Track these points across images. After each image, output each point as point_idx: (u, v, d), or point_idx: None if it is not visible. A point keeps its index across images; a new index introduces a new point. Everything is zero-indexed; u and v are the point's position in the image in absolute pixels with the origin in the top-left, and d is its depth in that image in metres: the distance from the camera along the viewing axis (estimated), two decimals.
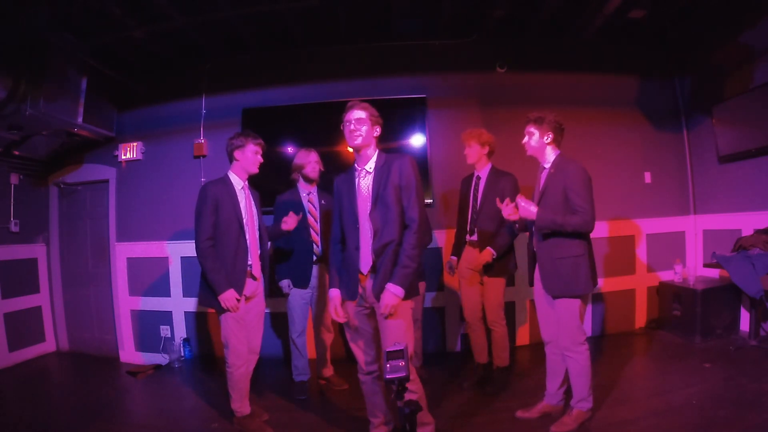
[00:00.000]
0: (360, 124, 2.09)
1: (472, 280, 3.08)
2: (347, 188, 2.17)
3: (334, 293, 2.17)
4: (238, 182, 2.63)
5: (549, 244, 2.38)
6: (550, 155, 2.45)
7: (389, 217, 2.06)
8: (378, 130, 2.14)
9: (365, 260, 2.10)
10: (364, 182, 2.14)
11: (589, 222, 2.28)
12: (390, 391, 1.55)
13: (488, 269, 2.99)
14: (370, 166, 2.14)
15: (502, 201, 2.49)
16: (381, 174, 2.10)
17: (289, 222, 2.86)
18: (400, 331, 2.04)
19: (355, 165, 2.18)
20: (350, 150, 3.97)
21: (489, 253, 2.92)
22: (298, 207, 3.16)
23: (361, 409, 2.73)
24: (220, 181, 2.62)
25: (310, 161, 3.17)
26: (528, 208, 2.33)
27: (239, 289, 2.53)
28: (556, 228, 2.30)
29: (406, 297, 2.05)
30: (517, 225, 2.62)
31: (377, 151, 2.17)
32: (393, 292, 2.00)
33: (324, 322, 3.27)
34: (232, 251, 2.54)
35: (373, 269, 2.08)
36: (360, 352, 2.19)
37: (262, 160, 2.67)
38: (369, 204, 2.09)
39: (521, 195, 2.43)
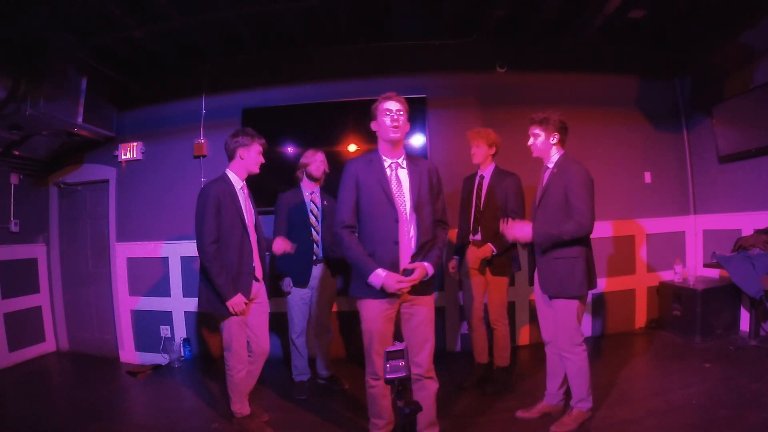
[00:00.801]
0: (401, 114, 2.07)
1: (474, 279, 3.08)
2: (378, 178, 2.07)
3: (380, 270, 1.98)
4: (237, 181, 2.57)
5: None
6: (555, 155, 2.45)
7: (431, 215, 2.11)
8: (408, 126, 2.14)
9: (405, 255, 2.05)
10: (399, 176, 2.10)
11: (586, 226, 2.28)
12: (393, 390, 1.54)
13: (488, 265, 2.99)
14: (402, 160, 2.12)
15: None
16: (416, 172, 2.11)
17: (278, 246, 2.81)
18: (429, 325, 2.10)
19: (382, 155, 2.12)
20: (350, 150, 4.00)
21: (489, 249, 2.93)
22: (300, 206, 3.16)
23: (361, 409, 2.73)
24: (220, 180, 2.55)
25: (315, 160, 3.16)
26: (523, 232, 2.35)
27: (246, 292, 2.49)
28: (553, 240, 2.31)
29: (432, 291, 2.14)
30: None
31: (404, 149, 2.18)
32: (426, 266, 2.03)
33: (323, 323, 3.27)
34: (236, 253, 2.48)
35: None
36: (377, 356, 2.06)
37: (263, 161, 2.65)
38: (411, 200, 2.07)
39: (512, 221, 2.43)
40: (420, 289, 2.06)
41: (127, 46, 3.78)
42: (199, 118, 4.25)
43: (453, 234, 3.42)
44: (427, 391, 2.11)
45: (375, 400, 2.16)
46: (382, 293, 2.02)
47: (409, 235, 2.06)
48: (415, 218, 2.06)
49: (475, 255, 3.00)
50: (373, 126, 2.14)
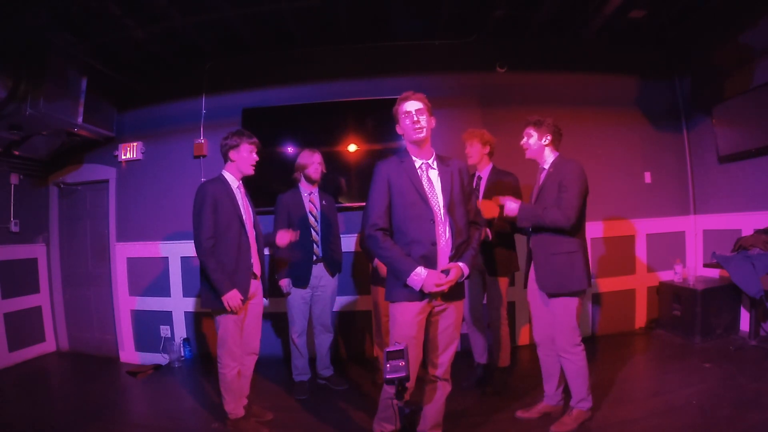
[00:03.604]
0: (420, 114, 2.02)
1: (472, 279, 3.08)
2: (410, 179, 2.02)
3: (421, 268, 1.93)
4: (233, 181, 2.60)
5: (544, 241, 2.40)
6: (549, 157, 2.47)
7: (465, 216, 2.08)
8: (434, 121, 2.09)
9: (443, 257, 2.01)
10: (430, 176, 2.06)
11: (570, 217, 2.28)
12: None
13: (489, 265, 2.98)
14: (433, 160, 2.08)
15: (503, 201, 2.50)
16: (447, 173, 2.06)
17: (282, 238, 2.81)
18: (457, 330, 2.09)
19: (412, 156, 2.07)
20: (350, 150, 4.00)
21: (484, 233, 2.92)
22: (299, 207, 3.16)
23: (361, 409, 2.74)
24: (217, 180, 2.58)
25: (313, 162, 3.16)
26: (511, 206, 2.40)
27: (244, 290, 2.50)
28: (534, 218, 2.35)
29: (462, 297, 2.11)
30: (495, 220, 2.65)
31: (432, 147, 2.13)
32: (461, 267, 1.99)
33: (324, 322, 3.27)
34: (234, 250, 2.50)
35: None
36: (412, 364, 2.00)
37: (257, 158, 2.64)
38: (444, 199, 2.03)
39: (507, 196, 2.46)
40: (452, 292, 2.01)
41: (127, 46, 3.78)
42: (199, 118, 4.25)
43: None
44: (440, 392, 2.10)
45: (389, 407, 2.04)
46: (420, 295, 1.96)
47: (444, 237, 2.02)
48: (449, 219, 2.02)
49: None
50: (398, 129, 2.11)
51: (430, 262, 1.97)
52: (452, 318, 2.06)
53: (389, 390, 2.06)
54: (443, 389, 2.11)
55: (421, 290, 1.93)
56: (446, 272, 1.95)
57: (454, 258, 2.01)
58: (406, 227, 2.00)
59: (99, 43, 3.65)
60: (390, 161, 2.10)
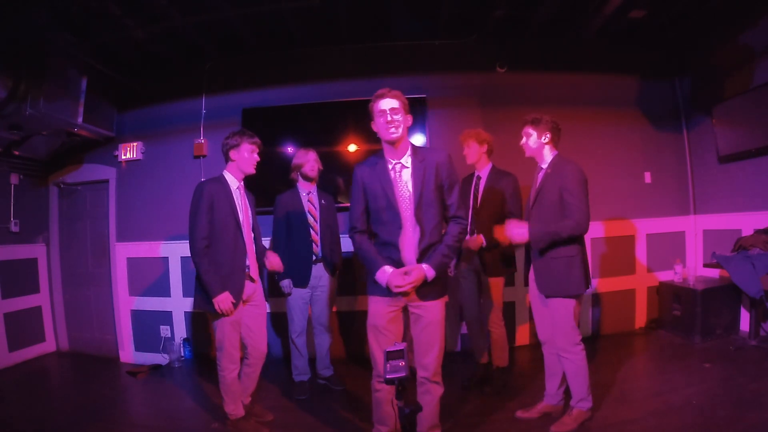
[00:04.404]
0: (395, 114, 1.98)
1: (470, 280, 3.09)
2: (381, 183, 2.03)
3: (387, 267, 1.99)
4: (233, 182, 2.58)
5: None
6: (548, 155, 2.46)
7: (435, 218, 2.04)
8: (410, 119, 2.05)
9: (408, 259, 2.02)
10: (403, 178, 2.03)
11: (583, 223, 2.28)
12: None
13: (481, 264, 2.99)
14: (407, 160, 2.04)
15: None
16: (421, 171, 2.01)
17: (272, 263, 2.72)
18: (436, 329, 2.03)
19: (386, 157, 2.06)
20: (350, 149, 4.00)
21: (479, 241, 2.93)
22: (297, 207, 3.16)
23: (361, 409, 2.73)
24: (216, 180, 2.55)
25: (308, 160, 3.16)
26: (520, 233, 2.35)
27: (238, 292, 2.48)
28: (551, 238, 2.31)
29: (440, 295, 2.07)
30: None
31: (410, 143, 2.08)
32: (424, 269, 1.97)
33: (323, 322, 3.26)
34: (230, 252, 2.48)
35: None
36: (382, 355, 2.02)
37: (258, 159, 2.62)
38: (413, 202, 2.01)
39: (510, 221, 2.44)
40: (425, 292, 2.02)
41: (127, 46, 3.78)
42: (199, 118, 4.26)
43: None
44: (431, 396, 2.08)
45: (380, 404, 2.11)
46: (387, 292, 2.01)
47: (413, 239, 2.02)
48: (419, 222, 2.01)
49: (466, 245, 2.97)
50: (373, 127, 2.08)
51: (397, 264, 2.02)
52: (430, 317, 2.03)
53: (377, 386, 2.10)
54: (434, 392, 2.08)
55: (388, 287, 1.99)
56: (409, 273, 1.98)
57: (420, 261, 2.02)
58: (378, 230, 2.08)
59: (99, 43, 3.65)
60: (364, 165, 2.11)
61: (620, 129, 4.24)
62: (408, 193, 2.02)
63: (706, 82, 4.06)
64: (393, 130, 1.98)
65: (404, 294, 2.00)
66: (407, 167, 2.04)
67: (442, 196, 2.06)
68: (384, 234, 2.05)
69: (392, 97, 2.00)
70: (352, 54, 4.21)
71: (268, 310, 4.06)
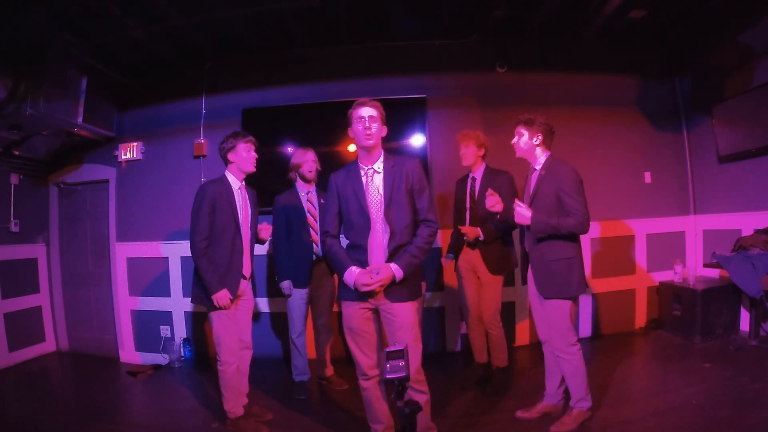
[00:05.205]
0: (373, 122, 2.06)
1: (468, 280, 3.09)
2: (353, 187, 2.11)
3: (354, 267, 2.05)
4: (235, 182, 2.64)
5: (541, 246, 2.39)
6: (541, 157, 2.46)
7: (405, 219, 2.08)
8: (385, 130, 2.14)
9: (375, 261, 2.06)
10: (374, 182, 2.10)
11: (584, 223, 2.29)
12: (391, 391, 1.53)
13: (478, 255, 3.00)
14: (379, 165, 2.12)
15: (515, 206, 2.50)
16: (392, 175, 2.09)
17: (264, 232, 2.82)
18: (408, 332, 2.03)
19: (360, 163, 2.14)
20: (350, 150, 4.00)
21: (476, 232, 2.95)
22: (297, 207, 3.16)
23: (361, 409, 2.73)
24: (218, 180, 2.62)
25: (306, 160, 3.16)
26: (523, 213, 2.35)
27: (234, 290, 2.55)
28: (551, 231, 2.31)
29: (411, 298, 2.08)
30: (498, 216, 2.66)
31: (382, 150, 2.16)
32: (392, 268, 2.01)
33: (323, 322, 3.27)
34: (227, 252, 2.55)
35: None
36: (362, 355, 2.10)
37: (257, 156, 2.67)
38: (382, 205, 2.07)
39: (518, 199, 2.45)
40: (396, 294, 2.04)
41: (127, 46, 3.78)
42: (199, 118, 4.25)
43: (447, 234, 3.42)
44: None
45: (370, 403, 2.15)
46: (356, 293, 2.05)
47: (383, 242, 2.07)
48: (389, 222, 2.07)
49: (464, 230, 3.01)
50: (350, 133, 2.14)
51: (364, 266, 2.07)
52: (401, 320, 2.04)
53: (363, 384, 2.12)
54: (419, 400, 2.01)
55: (356, 289, 2.03)
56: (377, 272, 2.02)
57: (389, 261, 2.05)
58: (348, 233, 2.15)
59: (99, 43, 3.65)
60: (339, 173, 2.20)
61: (620, 129, 4.24)
62: (379, 197, 2.09)
63: (706, 82, 4.06)
64: (369, 137, 2.05)
65: (372, 295, 2.03)
66: (379, 172, 2.12)
67: (413, 200, 2.12)
68: (353, 237, 2.12)
69: (372, 106, 2.09)
70: (352, 54, 4.21)
71: (268, 310, 4.08)
